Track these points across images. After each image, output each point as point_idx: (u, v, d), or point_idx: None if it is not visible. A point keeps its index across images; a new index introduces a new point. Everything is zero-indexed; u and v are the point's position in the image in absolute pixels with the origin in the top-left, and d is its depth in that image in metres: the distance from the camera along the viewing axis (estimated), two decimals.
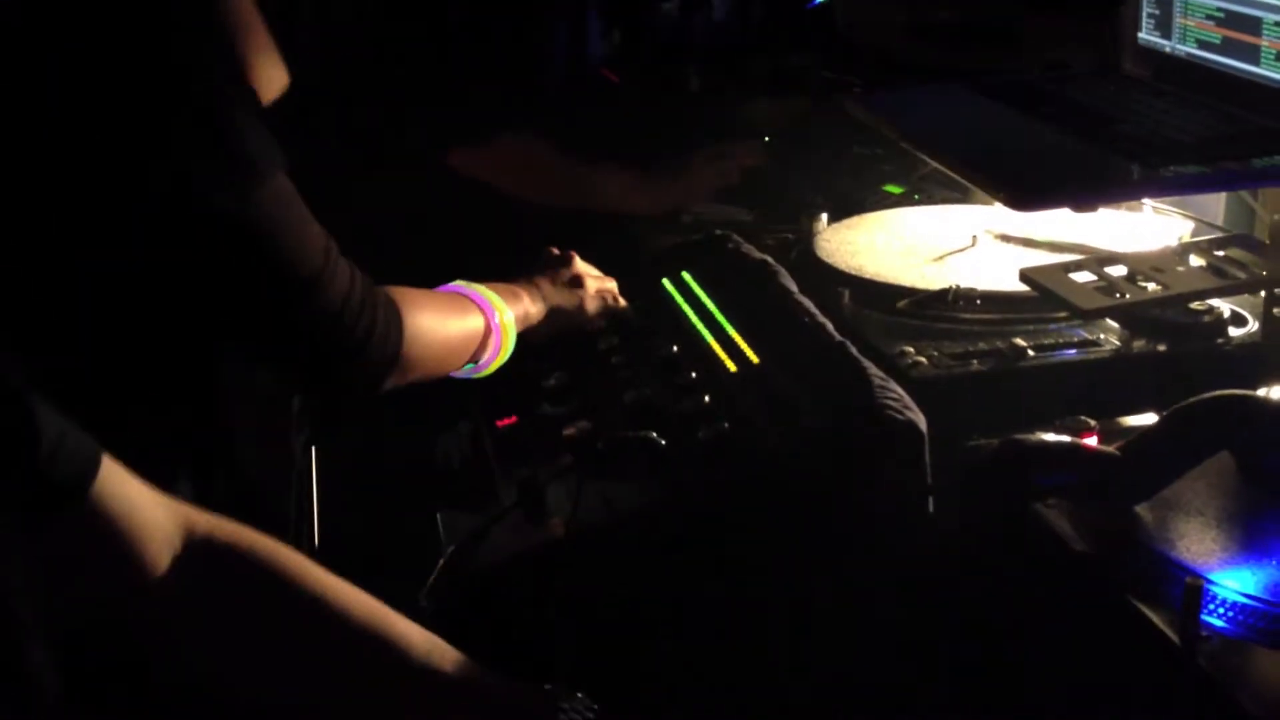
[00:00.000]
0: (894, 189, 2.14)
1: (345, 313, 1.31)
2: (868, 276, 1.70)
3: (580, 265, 1.71)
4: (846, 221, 1.96)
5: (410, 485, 1.62)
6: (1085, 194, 1.25)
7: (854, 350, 1.46)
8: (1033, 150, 1.36)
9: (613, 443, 1.43)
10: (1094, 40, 1.66)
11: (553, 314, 1.66)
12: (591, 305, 1.70)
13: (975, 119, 1.51)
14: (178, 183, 1.20)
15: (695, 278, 1.77)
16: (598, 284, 1.72)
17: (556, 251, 1.71)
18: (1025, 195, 1.22)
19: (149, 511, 1.03)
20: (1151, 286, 1.32)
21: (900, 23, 2.32)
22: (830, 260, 1.77)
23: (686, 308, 1.71)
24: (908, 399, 1.36)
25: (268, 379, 1.50)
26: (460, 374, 1.54)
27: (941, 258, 1.76)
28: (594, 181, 2.30)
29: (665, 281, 1.78)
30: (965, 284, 1.62)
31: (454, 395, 1.63)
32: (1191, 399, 1.23)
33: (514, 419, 1.59)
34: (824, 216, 1.94)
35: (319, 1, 2.69)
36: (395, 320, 1.37)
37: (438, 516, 1.48)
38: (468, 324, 1.51)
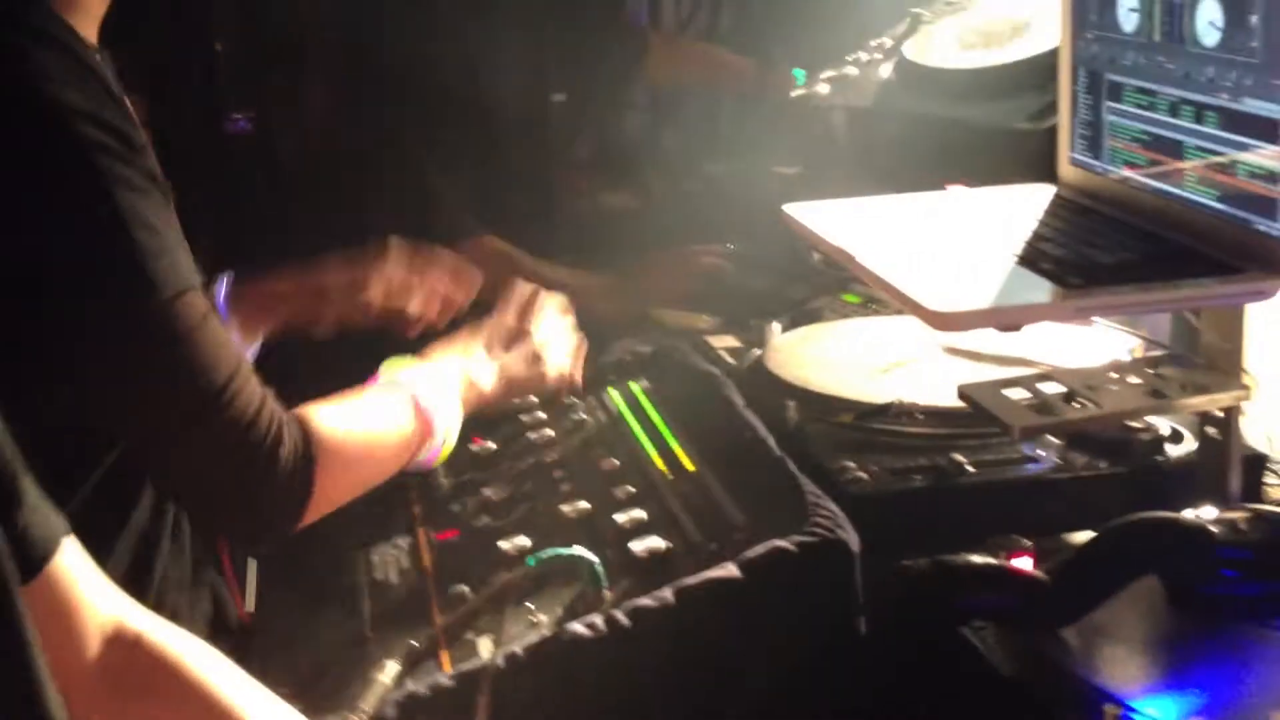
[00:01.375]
0: (851, 298, 2.14)
1: (251, 432, 1.31)
2: (813, 389, 1.70)
3: (539, 340, 1.73)
4: (799, 331, 1.96)
5: (345, 597, 1.60)
6: (1003, 317, 1.25)
7: (792, 467, 1.45)
8: (958, 270, 1.37)
9: (546, 561, 1.42)
10: (1032, 157, 1.68)
11: (508, 389, 1.68)
12: (549, 383, 1.73)
13: (906, 235, 1.52)
14: (75, 293, 1.24)
15: (642, 389, 1.76)
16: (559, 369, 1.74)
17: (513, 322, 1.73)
18: (945, 318, 1.22)
19: (93, 601, 1.06)
20: (1085, 404, 1.31)
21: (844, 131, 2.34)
22: (779, 372, 1.77)
23: (631, 419, 1.71)
24: (841, 517, 1.35)
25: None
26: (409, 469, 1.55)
27: (888, 369, 1.75)
28: (557, 285, 2.31)
29: (611, 391, 1.78)
30: (910, 397, 1.62)
31: (392, 507, 1.62)
32: (1117, 522, 1.22)
33: (453, 532, 1.58)
34: (776, 326, 1.94)
35: (290, 104, 2.72)
36: (305, 448, 1.36)
37: (370, 632, 1.46)
38: (398, 439, 1.50)
